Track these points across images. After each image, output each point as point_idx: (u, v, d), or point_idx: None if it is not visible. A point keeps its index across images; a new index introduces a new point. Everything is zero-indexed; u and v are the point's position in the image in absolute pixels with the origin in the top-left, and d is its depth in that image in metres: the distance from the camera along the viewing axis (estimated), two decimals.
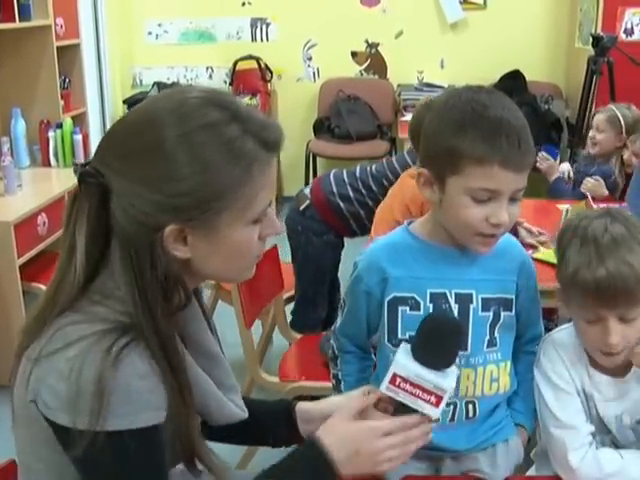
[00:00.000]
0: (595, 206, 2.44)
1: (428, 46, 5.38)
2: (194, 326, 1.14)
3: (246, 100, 5.03)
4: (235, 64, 5.35)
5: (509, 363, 1.46)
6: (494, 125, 1.23)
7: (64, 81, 4.05)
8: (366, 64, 5.50)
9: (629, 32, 4.51)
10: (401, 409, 1.14)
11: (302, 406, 1.30)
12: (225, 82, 5.48)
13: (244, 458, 2.21)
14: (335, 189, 2.83)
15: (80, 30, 4.18)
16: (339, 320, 1.52)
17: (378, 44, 5.44)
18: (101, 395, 0.93)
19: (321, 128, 5.27)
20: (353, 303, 1.46)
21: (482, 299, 1.39)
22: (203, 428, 1.14)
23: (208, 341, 1.16)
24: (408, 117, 4.91)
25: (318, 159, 5.32)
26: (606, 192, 3.14)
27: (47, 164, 3.82)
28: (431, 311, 1.37)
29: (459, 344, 1.18)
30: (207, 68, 5.55)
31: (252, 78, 5.31)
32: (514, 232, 2.27)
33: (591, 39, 4.17)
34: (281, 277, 2.53)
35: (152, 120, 1.00)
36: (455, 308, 1.38)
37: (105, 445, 0.94)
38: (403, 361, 1.13)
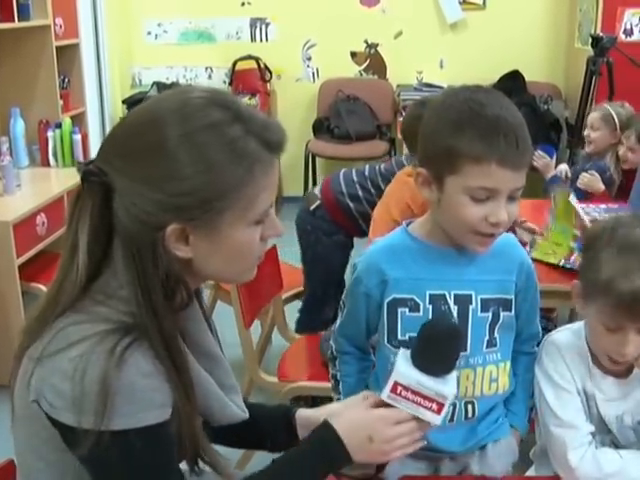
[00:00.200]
0: (582, 210, 2.43)
1: (427, 46, 5.38)
2: (194, 326, 1.14)
3: (245, 100, 5.03)
4: (234, 64, 5.35)
5: (508, 363, 1.46)
6: (491, 124, 1.23)
7: (63, 81, 4.05)
8: (365, 64, 5.50)
9: (628, 32, 4.51)
10: None
11: (302, 413, 1.30)
12: (224, 82, 5.48)
13: (243, 459, 2.21)
14: (344, 189, 2.83)
15: (79, 30, 4.18)
16: (338, 321, 1.52)
17: (377, 44, 5.44)
18: (106, 395, 0.93)
19: (320, 128, 5.27)
20: (352, 305, 1.46)
21: (481, 300, 1.39)
22: (204, 429, 1.14)
23: (208, 342, 1.16)
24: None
25: (317, 159, 5.32)
26: (602, 187, 3.16)
27: (46, 164, 3.81)
28: (430, 313, 1.37)
29: (459, 350, 1.17)
30: (206, 68, 5.55)
31: (251, 78, 5.31)
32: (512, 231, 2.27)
33: (590, 39, 4.17)
34: (280, 277, 2.53)
35: (155, 120, 1.00)
36: (454, 309, 1.38)
37: (111, 444, 0.95)
38: (403, 369, 1.13)
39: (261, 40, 5.48)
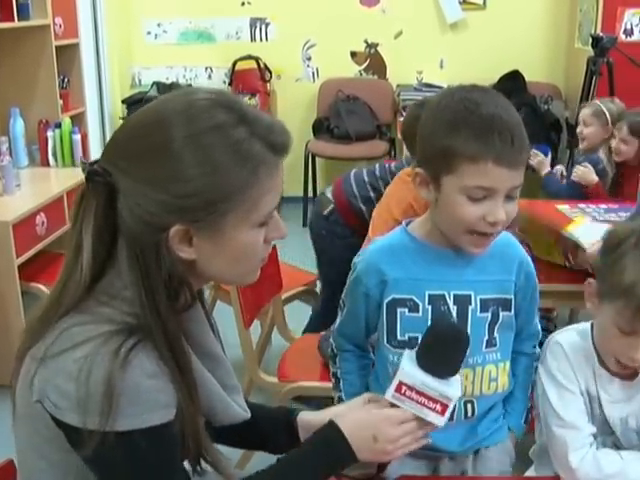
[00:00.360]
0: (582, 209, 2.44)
1: (427, 46, 5.38)
2: (197, 327, 1.14)
3: (245, 100, 5.03)
4: (234, 64, 5.35)
5: (508, 363, 1.46)
6: (486, 122, 1.23)
7: (63, 81, 4.05)
8: (365, 64, 5.50)
9: (629, 33, 4.51)
10: None
11: (304, 416, 1.30)
12: (224, 82, 5.47)
13: (242, 458, 2.21)
14: (356, 191, 2.81)
15: (79, 30, 4.18)
16: (338, 320, 1.53)
17: (377, 44, 5.44)
18: (111, 396, 0.94)
19: (320, 128, 5.27)
20: (352, 304, 1.47)
21: (480, 300, 1.39)
22: (206, 429, 1.14)
23: (210, 342, 1.17)
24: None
25: (317, 159, 5.32)
26: (595, 178, 3.19)
27: (46, 164, 3.81)
28: (430, 313, 1.38)
29: (465, 353, 1.17)
30: (206, 68, 5.54)
31: (251, 78, 5.31)
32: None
33: (591, 39, 4.17)
34: (280, 277, 2.52)
35: (160, 121, 1.00)
36: (454, 310, 1.38)
37: (115, 445, 0.95)
38: (409, 369, 1.13)
39: (261, 40, 5.48)
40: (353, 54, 5.49)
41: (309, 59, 5.49)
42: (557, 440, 1.37)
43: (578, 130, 3.45)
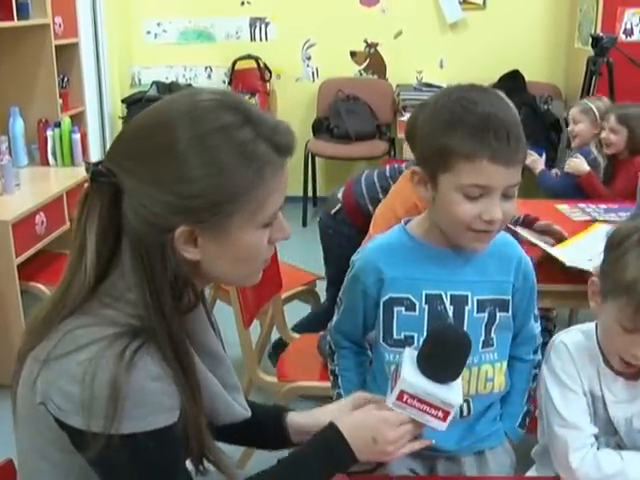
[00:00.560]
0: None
1: (427, 46, 5.38)
2: (198, 326, 1.14)
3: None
4: (234, 64, 5.35)
5: (505, 363, 1.46)
6: (482, 121, 1.23)
7: (62, 80, 4.04)
8: (365, 64, 5.50)
9: (629, 33, 4.51)
10: None
11: (294, 418, 1.30)
12: (224, 82, 5.47)
13: (242, 458, 2.21)
14: (365, 192, 2.81)
15: (79, 29, 4.17)
16: (335, 318, 1.53)
17: (377, 44, 5.44)
18: (116, 399, 0.93)
19: (320, 128, 5.27)
20: (350, 302, 1.47)
21: (477, 300, 1.39)
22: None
23: (211, 340, 1.17)
24: (407, 117, 4.91)
25: (317, 159, 5.32)
26: (587, 167, 3.27)
27: (45, 163, 3.80)
28: (426, 312, 1.38)
29: (467, 357, 1.17)
30: (206, 68, 5.54)
31: (251, 78, 5.31)
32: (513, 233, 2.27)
33: (591, 39, 4.17)
34: (280, 277, 2.52)
35: (165, 122, 1.00)
36: (450, 310, 1.38)
37: (120, 447, 0.95)
38: (410, 378, 1.12)
39: (261, 40, 5.48)
40: (353, 54, 5.48)
41: (309, 59, 5.49)
42: (558, 440, 1.37)
43: (569, 129, 3.55)
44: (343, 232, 2.84)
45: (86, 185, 1.04)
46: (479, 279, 1.39)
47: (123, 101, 5.22)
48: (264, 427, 1.31)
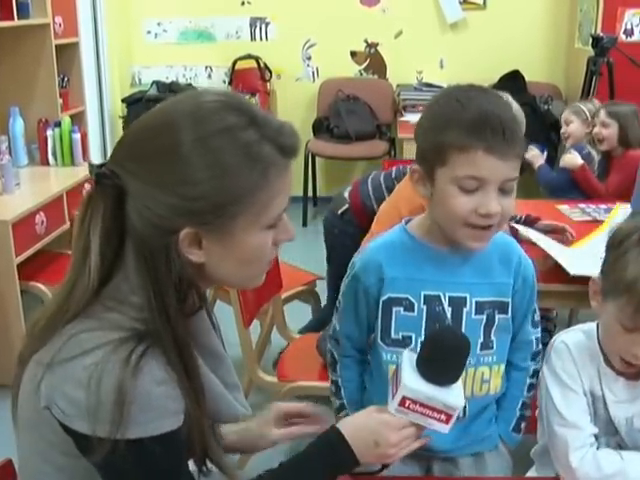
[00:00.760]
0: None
1: (427, 46, 5.38)
2: (200, 326, 1.14)
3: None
4: (234, 63, 5.35)
5: (503, 366, 1.46)
6: (479, 117, 1.24)
7: (63, 80, 4.04)
8: (365, 64, 5.50)
9: (629, 33, 4.51)
10: None
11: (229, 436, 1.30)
12: (224, 81, 5.47)
13: (242, 458, 2.20)
14: (372, 193, 2.81)
15: (79, 28, 4.17)
16: (336, 322, 1.51)
17: (377, 44, 5.44)
18: (122, 404, 0.93)
19: (320, 128, 5.27)
20: (353, 303, 1.46)
21: (476, 302, 1.39)
22: None
23: (212, 340, 1.17)
24: (407, 117, 4.92)
25: (317, 159, 5.32)
26: (581, 160, 3.34)
27: (45, 163, 3.80)
28: (425, 313, 1.38)
29: (466, 359, 1.16)
30: (206, 67, 5.54)
31: (251, 78, 5.31)
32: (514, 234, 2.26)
33: (591, 40, 4.17)
34: (280, 277, 2.52)
35: (168, 123, 0.99)
36: (448, 311, 1.38)
37: (126, 452, 0.95)
38: (410, 383, 1.12)
39: (261, 39, 5.48)
40: (353, 54, 5.48)
41: (309, 59, 5.49)
42: (558, 439, 1.37)
43: (562, 131, 3.64)
44: (348, 232, 2.84)
45: (89, 187, 1.03)
46: (478, 281, 1.39)
47: (123, 101, 5.22)
48: None
